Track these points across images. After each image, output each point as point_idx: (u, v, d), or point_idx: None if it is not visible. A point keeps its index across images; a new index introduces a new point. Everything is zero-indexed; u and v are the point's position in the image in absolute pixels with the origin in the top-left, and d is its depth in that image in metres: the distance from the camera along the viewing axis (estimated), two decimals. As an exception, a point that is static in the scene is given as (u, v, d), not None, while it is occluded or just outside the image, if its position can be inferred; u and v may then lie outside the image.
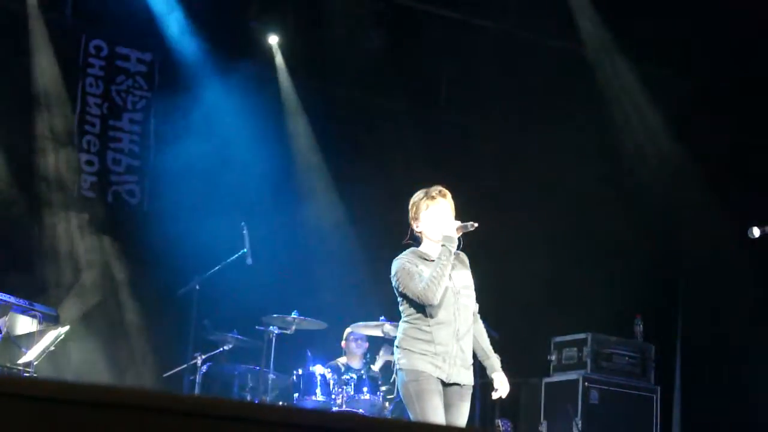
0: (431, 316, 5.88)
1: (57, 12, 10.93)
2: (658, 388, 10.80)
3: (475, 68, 11.91)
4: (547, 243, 11.35)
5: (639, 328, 11.11)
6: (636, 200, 11.42)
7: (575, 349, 10.76)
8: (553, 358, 10.91)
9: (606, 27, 11.47)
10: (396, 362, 6.05)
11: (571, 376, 10.58)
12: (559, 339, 10.95)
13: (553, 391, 10.72)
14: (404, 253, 6.08)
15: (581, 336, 10.73)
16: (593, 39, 11.56)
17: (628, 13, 11.12)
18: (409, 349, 5.93)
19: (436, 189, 6.09)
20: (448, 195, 6.08)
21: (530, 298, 11.26)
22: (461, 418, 5.96)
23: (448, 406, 5.94)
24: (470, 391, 6.03)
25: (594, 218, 11.40)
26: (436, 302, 5.84)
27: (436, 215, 6.01)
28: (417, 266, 5.93)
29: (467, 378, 5.97)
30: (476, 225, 5.95)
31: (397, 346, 6.08)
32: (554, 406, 10.64)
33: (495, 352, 6.28)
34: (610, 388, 10.52)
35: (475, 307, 6.13)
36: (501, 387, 6.17)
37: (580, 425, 10.24)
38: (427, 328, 5.89)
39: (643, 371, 10.83)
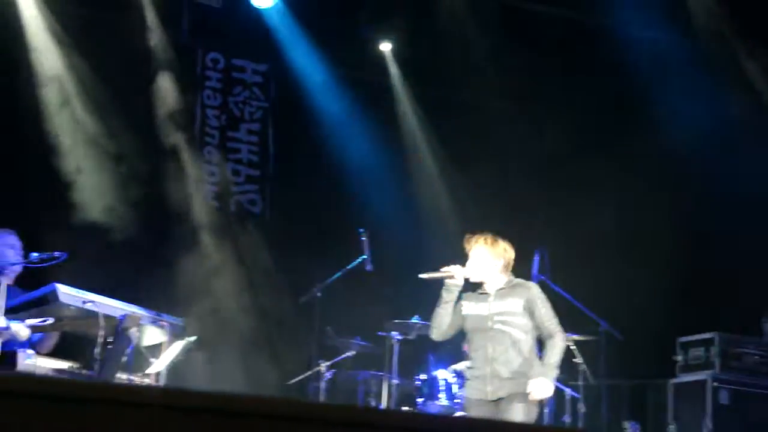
0: (472, 343, 6.90)
1: (174, 27, 11.13)
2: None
3: (589, 68, 11.77)
4: (672, 242, 11.16)
5: (767, 326, 10.86)
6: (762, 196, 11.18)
7: (702, 348, 10.55)
8: (680, 358, 10.71)
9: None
10: None
11: (699, 376, 10.37)
12: (685, 339, 10.75)
13: (680, 392, 10.53)
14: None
15: (708, 335, 10.52)
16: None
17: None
18: (466, 378, 7.03)
19: (472, 237, 7.03)
20: (474, 241, 6.98)
21: (655, 298, 11.09)
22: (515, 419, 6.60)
23: (502, 418, 6.58)
24: (519, 397, 6.66)
25: (719, 216, 11.20)
26: (436, 338, 7.10)
27: (470, 260, 6.99)
28: (465, 302, 6.94)
29: (506, 390, 6.68)
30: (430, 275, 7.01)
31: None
32: (682, 407, 10.45)
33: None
34: (740, 388, 10.29)
35: (552, 329, 6.82)
36: (533, 391, 6.71)
37: (710, 426, 10.04)
38: (472, 355, 6.91)
39: (775, 370, 10.57)
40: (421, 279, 7.01)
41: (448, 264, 7.03)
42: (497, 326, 6.75)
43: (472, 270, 6.93)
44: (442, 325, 6.96)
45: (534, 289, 6.94)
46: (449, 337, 7.14)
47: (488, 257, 6.91)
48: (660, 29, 11.57)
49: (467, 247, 6.98)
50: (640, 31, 11.59)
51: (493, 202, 11.51)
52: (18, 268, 7.43)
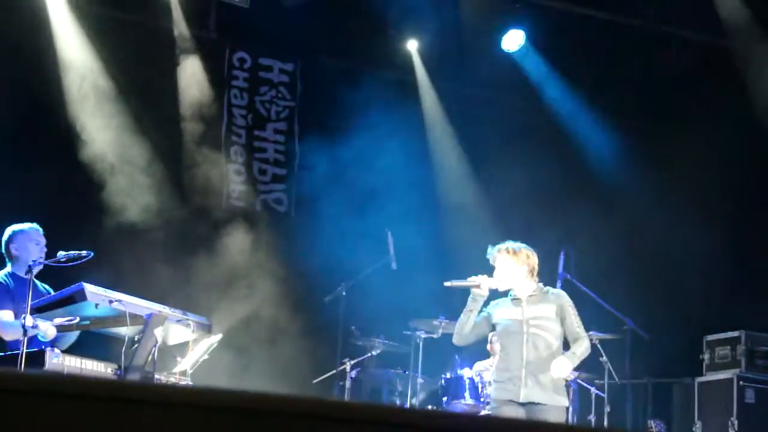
0: (505, 347, 7.09)
1: (201, 27, 11.17)
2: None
3: (617, 67, 11.75)
4: (700, 241, 11.13)
5: (795, 324, 10.80)
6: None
7: (728, 347, 10.50)
8: (706, 356, 10.67)
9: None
10: None
11: (726, 375, 10.34)
12: (711, 337, 10.71)
13: (706, 390, 10.49)
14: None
15: (734, 334, 10.47)
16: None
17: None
18: (493, 380, 7.25)
19: (494, 249, 7.22)
20: (497, 252, 7.17)
21: (681, 296, 11.06)
22: None
23: None
24: (556, 411, 6.94)
25: (748, 214, 11.17)
26: (457, 343, 7.34)
27: (496, 270, 7.20)
28: (497, 310, 7.16)
29: (543, 397, 6.90)
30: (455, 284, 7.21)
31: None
32: (708, 406, 10.42)
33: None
34: (767, 387, 10.25)
35: (580, 334, 7.10)
36: (554, 367, 6.95)
37: (736, 425, 10.00)
38: (504, 357, 7.09)
39: (801, 369, 10.52)
40: (446, 286, 7.20)
41: (474, 273, 7.17)
42: (533, 330, 7.01)
43: (499, 280, 7.17)
44: (463, 331, 7.19)
45: (565, 297, 7.22)
46: (470, 343, 7.42)
47: (513, 265, 7.15)
48: (692, 28, 11.56)
49: (491, 259, 7.21)
50: (671, 30, 11.56)
51: (518, 199, 11.49)
52: (41, 266, 7.46)
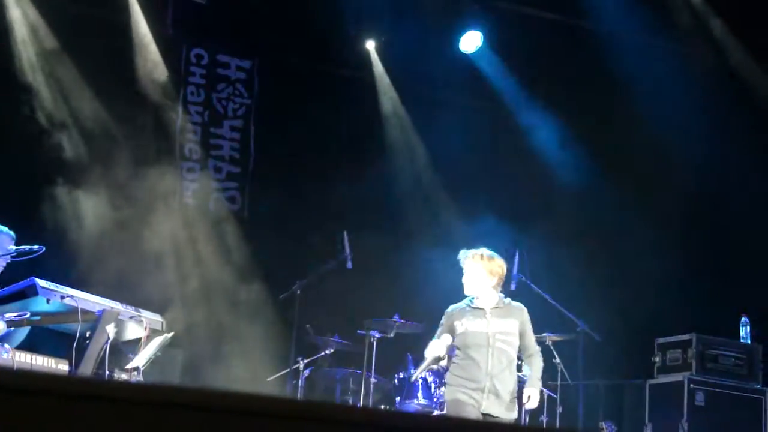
0: (467, 356, 6.97)
1: (159, 23, 11.11)
2: (767, 390, 10.57)
3: (571, 68, 11.82)
4: (653, 244, 11.20)
5: (746, 328, 10.89)
6: (746, 199, 11.22)
7: (680, 350, 10.58)
8: (658, 359, 10.74)
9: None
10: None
11: (676, 377, 10.41)
12: (663, 340, 10.78)
13: (657, 392, 10.56)
14: (464, 300, 7.21)
15: (686, 337, 10.55)
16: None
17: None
18: (449, 384, 7.11)
19: (468, 253, 7.13)
20: (471, 257, 7.08)
21: (634, 298, 11.12)
22: None
23: None
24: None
25: (700, 218, 11.24)
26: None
27: (465, 274, 7.14)
28: (458, 319, 7.04)
29: (500, 411, 6.90)
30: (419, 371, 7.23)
31: (443, 382, 7.44)
32: (659, 408, 10.49)
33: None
34: (717, 390, 10.33)
35: (534, 349, 7.18)
36: (528, 400, 7.06)
37: (686, 427, 10.08)
38: (465, 366, 6.98)
39: (751, 372, 10.61)
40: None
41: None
42: (499, 344, 6.97)
43: (466, 284, 7.09)
44: (440, 356, 7.11)
45: (525, 312, 7.17)
46: None
47: (483, 274, 7.06)
48: (647, 32, 11.62)
49: (462, 261, 7.12)
50: (628, 35, 11.64)
51: (473, 200, 11.52)
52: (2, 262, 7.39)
